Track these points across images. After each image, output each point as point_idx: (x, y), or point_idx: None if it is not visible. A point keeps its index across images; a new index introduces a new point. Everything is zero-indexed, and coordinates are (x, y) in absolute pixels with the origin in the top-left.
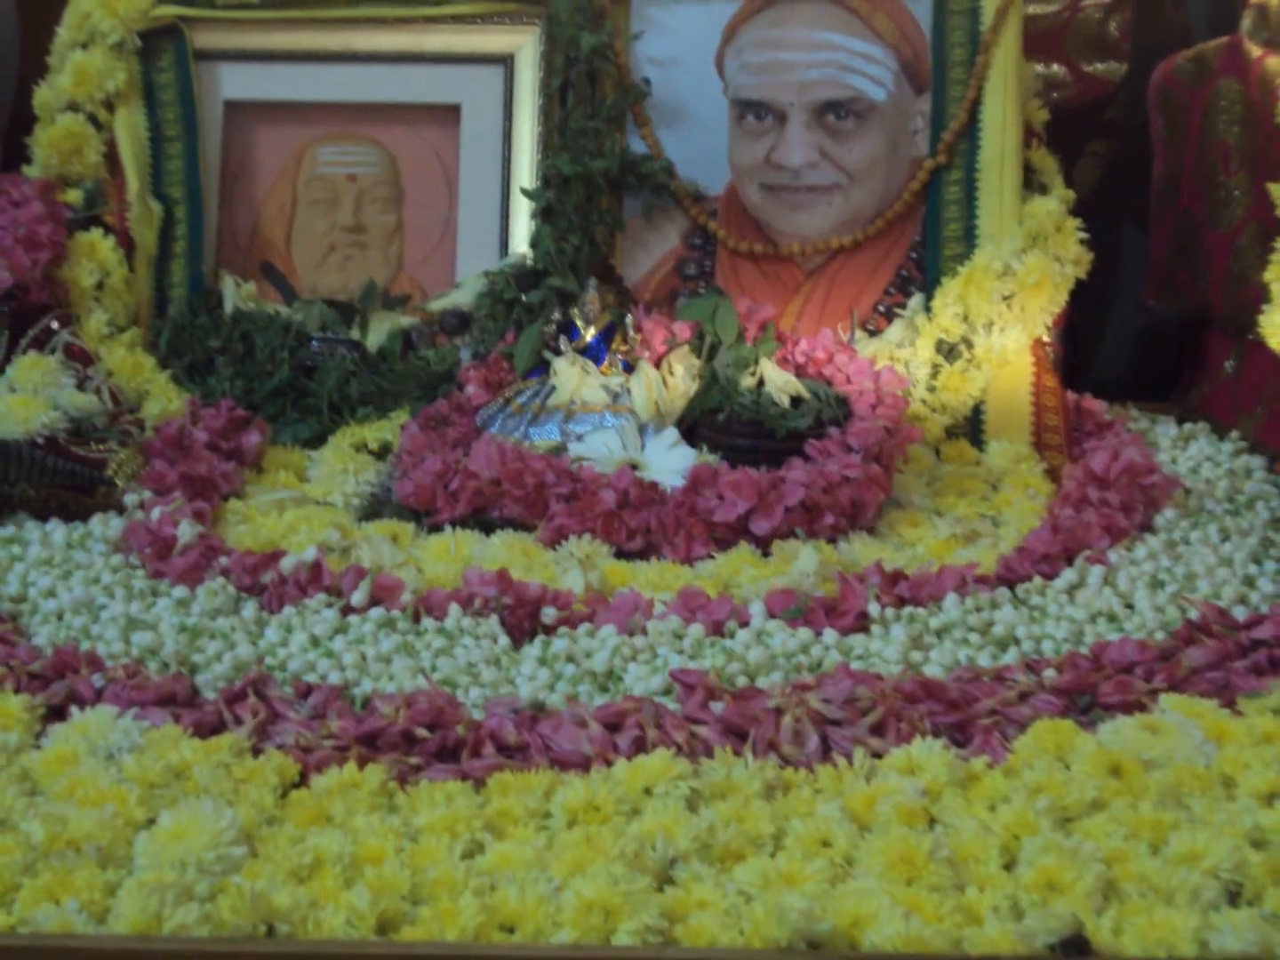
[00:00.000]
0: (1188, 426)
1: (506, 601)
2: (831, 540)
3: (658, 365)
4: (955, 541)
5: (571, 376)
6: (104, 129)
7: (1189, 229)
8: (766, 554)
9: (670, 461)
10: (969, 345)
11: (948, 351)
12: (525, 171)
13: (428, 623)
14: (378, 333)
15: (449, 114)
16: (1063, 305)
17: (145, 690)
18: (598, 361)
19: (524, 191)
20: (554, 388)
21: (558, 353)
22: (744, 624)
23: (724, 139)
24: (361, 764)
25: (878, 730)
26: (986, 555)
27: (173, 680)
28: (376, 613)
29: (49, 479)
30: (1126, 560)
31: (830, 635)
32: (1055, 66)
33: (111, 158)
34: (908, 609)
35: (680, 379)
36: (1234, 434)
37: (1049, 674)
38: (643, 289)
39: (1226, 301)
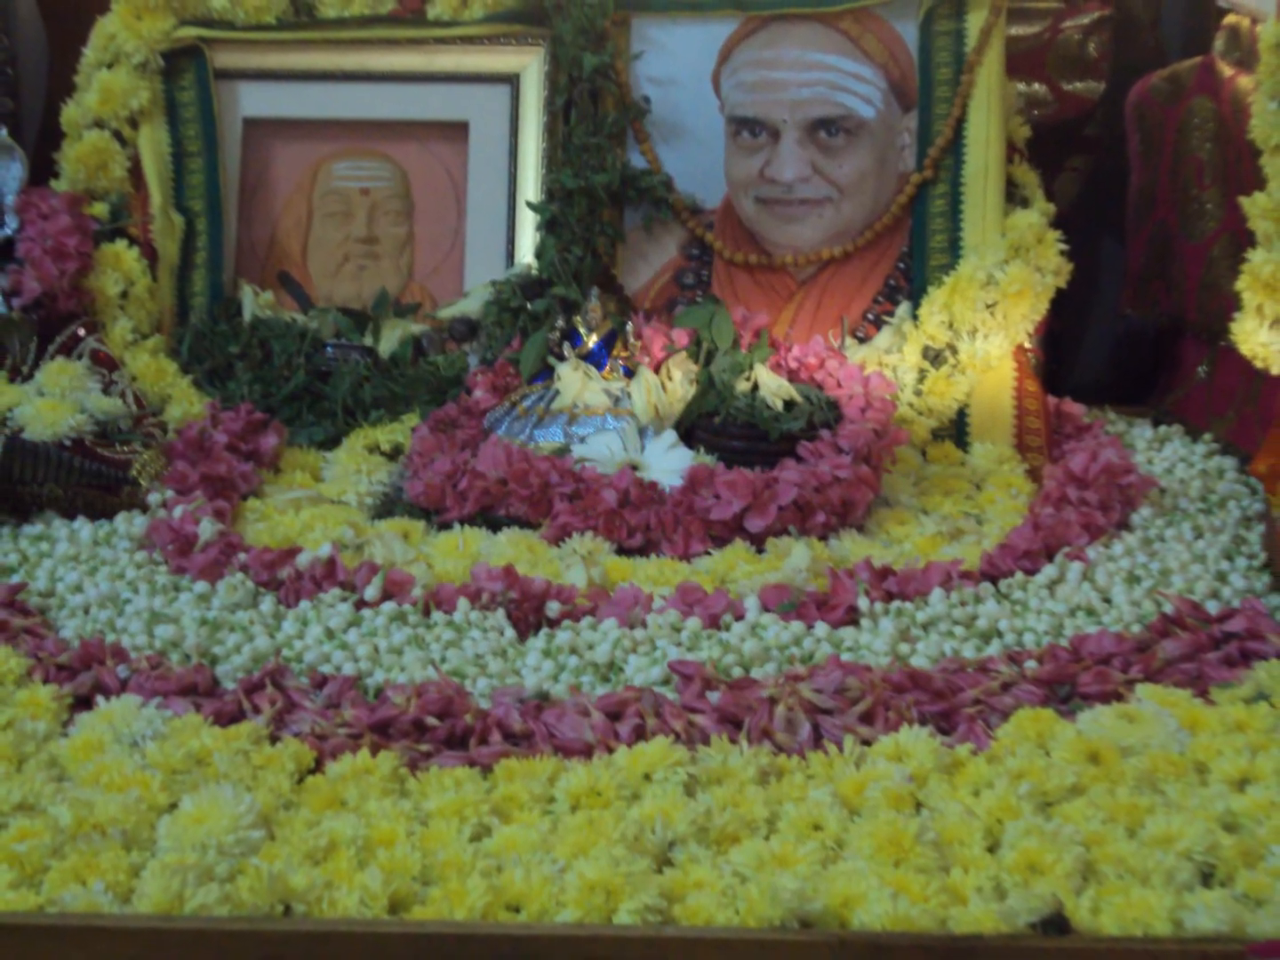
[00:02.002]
0: (1163, 429)
1: (512, 596)
2: (823, 537)
3: (657, 370)
4: (941, 539)
5: (574, 381)
6: (128, 145)
7: (1164, 240)
8: (761, 551)
9: (669, 462)
10: (954, 351)
11: (934, 357)
12: (530, 185)
13: (437, 616)
14: (389, 339)
15: (458, 131)
16: (1043, 313)
17: (168, 681)
18: (599, 367)
19: (529, 205)
20: (558, 392)
21: (561, 358)
22: (739, 618)
23: (720, 154)
24: (374, 751)
25: (867, 719)
26: (971, 552)
27: (194, 671)
28: (388, 607)
29: (76, 479)
30: (1104, 556)
31: (822, 628)
32: (1037, 85)
33: (135, 172)
34: (896, 603)
35: (678, 383)
36: (1207, 436)
37: (1030, 665)
38: (642, 297)
39: (1200, 309)
